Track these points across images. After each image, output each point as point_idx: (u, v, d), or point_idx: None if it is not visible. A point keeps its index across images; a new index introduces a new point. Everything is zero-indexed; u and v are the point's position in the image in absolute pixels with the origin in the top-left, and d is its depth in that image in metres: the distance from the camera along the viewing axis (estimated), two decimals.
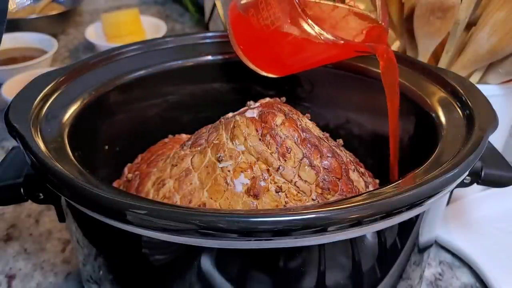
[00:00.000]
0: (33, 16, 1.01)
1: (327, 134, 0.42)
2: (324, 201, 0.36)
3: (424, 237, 0.37)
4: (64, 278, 0.50)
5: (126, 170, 0.46)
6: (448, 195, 0.37)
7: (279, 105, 0.39)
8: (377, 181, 0.43)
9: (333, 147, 0.38)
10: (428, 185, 0.30)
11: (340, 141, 0.43)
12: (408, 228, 0.35)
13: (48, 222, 0.56)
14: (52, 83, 0.40)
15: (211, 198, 0.36)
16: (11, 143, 0.70)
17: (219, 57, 0.50)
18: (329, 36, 0.37)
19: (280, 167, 0.36)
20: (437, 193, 0.31)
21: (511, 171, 0.38)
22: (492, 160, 0.38)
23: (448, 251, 0.53)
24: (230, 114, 0.40)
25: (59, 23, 1.06)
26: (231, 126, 0.37)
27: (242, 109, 0.40)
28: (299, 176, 0.36)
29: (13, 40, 0.91)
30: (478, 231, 0.54)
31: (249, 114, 0.38)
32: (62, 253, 0.52)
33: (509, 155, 0.51)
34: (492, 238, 0.53)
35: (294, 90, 0.51)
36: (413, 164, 0.34)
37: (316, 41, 0.38)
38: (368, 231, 0.31)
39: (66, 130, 0.37)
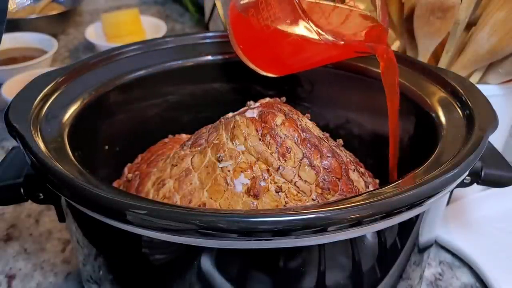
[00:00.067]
0: (33, 16, 1.01)
1: (327, 134, 0.42)
2: (324, 201, 0.36)
3: (424, 237, 0.37)
4: (64, 278, 0.50)
5: (126, 170, 0.46)
6: (448, 195, 0.37)
7: (279, 105, 0.39)
8: (377, 181, 0.43)
9: (333, 147, 0.38)
10: (428, 185, 0.30)
11: (340, 141, 0.43)
12: (408, 228, 0.35)
13: (48, 222, 0.56)
14: (52, 83, 0.40)
15: (211, 198, 0.36)
16: (11, 143, 0.70)
17: (219, 57, 0.50)
18: (329, 37, 0.37)
19: (280, 167, 0.36)
20: (437, 193, 0.31)
21: (511, 171, 0.38)
22: (492, 160, 0.38)
23: (448, 251, 0.53)
24: (230, 114, 0.40)
25: (59, 23, 1.06)
26: (231, 126, 0.37)
27: (242, 109, 0.40)
28: (299, 176, 0.36)
29: (13, 40, 0.91)
30: (478, 231, 0.54)
31: (249, 114, 0.38)
32: (62, 253, 0.52)
33: (509, 155, 0.51)
34: (492, 238, 0.53)
35: (294, 90, 0.51)
36: (413, 164, 0.34)
37: (316, 41, 0.38)
38: (368, 231, 0.31)
39: (66, 130, 0.37)
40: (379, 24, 0.42)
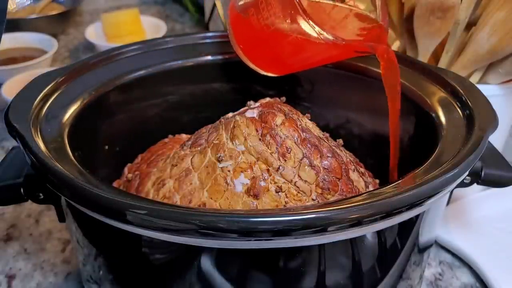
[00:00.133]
0: (33, 16, 1.01)
1: (327, 134, 0.42)
2: (324, 201, 0.36)
3: (424, 237, 0.37)
4: (64, 278, 0.50)
5: (126, 170, 0.46)
6: (448, 195, 0.37)
7: (279, 105, 0.39)
8: (377, 181, 0.43)
9: (333, 147, 0.38)
10: (428, 185, 0.30)
11: (340, 141, 0.43)
12: (408, 228, 0.34)
13: (48, 222, 0.56)
14: (52, 83, 0.40)
15: (211, 198, 0.36)
16: (11, 143, 0.70)
17: (219, 57, 0.50)
18: (329, 37, 0.37)
19: (280, 167, 0.36)
20: (437, 193, 0.31)
21: (511, 171, 0.38)
22: (492, 160, 0.38)
23: (448, 251, 0.53)
24: (230, 114, 0.40)
25: (59, 23, 1.06)
26: (231, 126, 0.37)
27: (242, 109, 0.40)
28: (299, 176, 0.36)
29: (13, 40, 0.91)
30: (478, 231, 0.54)
31: (249, 114, 0.38)
32: (62, 253, 0.52)
33: (509, 155, 0.51)
34: (492, 238, 0.53)
35: (294, 90, 0.51)
36: (413, 164, 0.34)
37: (316, 41, 0.38)
38: (368, 231, 0.31)
39: (66, 130, 0.37)
40: (379, 24, 0.42)
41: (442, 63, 0.52)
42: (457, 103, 0.40)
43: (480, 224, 0.54)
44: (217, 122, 0.40)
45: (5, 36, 0.89)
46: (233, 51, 0.44)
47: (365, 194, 0.30)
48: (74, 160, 0.34)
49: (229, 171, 0.36)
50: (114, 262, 0.37)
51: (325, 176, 0.36)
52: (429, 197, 0.30)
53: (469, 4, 0.48)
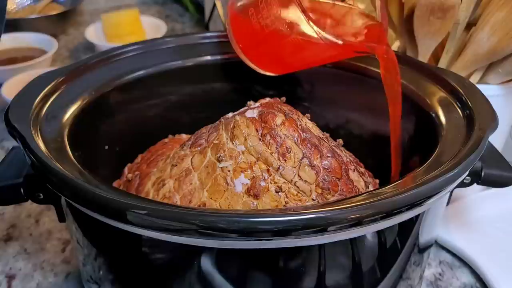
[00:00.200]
0: (33, 16, 1.01)
1: (327, 134, 0.42)
2: (324, 201, 0.36)
3: (424, 237, 0.37)
4: (64, 278, 0.50)
5: (126, 170, 0.46)
6: (448, 195, 0.37)
7: (279, 105, 0.39)
8: (377, 181, 0.43)
9: (333, 147, 0.38)
10: (428, 185, 0.30)
11: (340, 141, 0.43)
12: (408, 228, 0.34)
13: (48, 222, 0.56)
14: (52, 83, 0.40)
15: (211, 198, 0.36)
16: (11, 143, 0.70)
17: (219, 57, 0.50)
18: (329, 36, 0.37)
19: (280, 167, 0.36)
20: (437, 193, 0.31)
21: (511, 171, 0.38)
22: (492, 160, 0.38)
23: (448, 251, 0.53)
24: (230, 114, 0.40)
25: (59, 23, 1.06)
26: (231, 126, 0.37)
27: (242, 109, 0.40)
28: (299, 176, 0.36)
29: (13, 40, 0.91)
30: (478, 231, 0.54)
31: (249, 114, 0.38)
32: (62, 253, 0.52)
33: (509, 155, 0.51)
34: (492, 238, 0.53)
35: (294, 90, 0.51)
36: (413, 164, 0.34)
37: (316, 41, 0.38)
38: (368, 231, 0.31)
39: (66, 130, 0.37)
40: (379, 24, 0.42)
41: (442, 63, 0.52)
42: (457, 103, 0.40)
43: (480, 224, 0.54)
44: (217, 122, 0.40)
45: (5, 36, 0.89)
46: (233, 51, 0.44)
47: (365, 194, 0.30)
48: (74, 160, 0.34)
49: (229, 171, 0.36)
50: (114, 262, 0.37)
51: (325, 176, 0.36)
52: (429, 197, 0.30)
53: (469, 4, 0.48)
